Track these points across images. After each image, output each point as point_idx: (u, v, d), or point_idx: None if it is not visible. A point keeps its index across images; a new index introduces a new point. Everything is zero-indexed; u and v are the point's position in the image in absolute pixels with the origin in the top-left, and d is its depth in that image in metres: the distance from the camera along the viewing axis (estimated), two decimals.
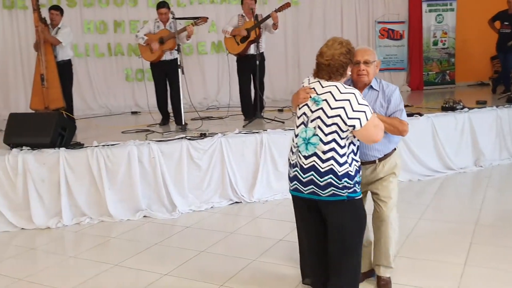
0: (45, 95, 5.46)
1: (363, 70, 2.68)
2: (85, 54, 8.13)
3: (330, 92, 2.42)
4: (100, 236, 4.18)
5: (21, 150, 4.39)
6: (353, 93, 2.40)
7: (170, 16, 5.73)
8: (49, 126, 4.43)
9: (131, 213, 4.50)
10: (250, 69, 5.87)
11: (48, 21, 5.86)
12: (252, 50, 5.81)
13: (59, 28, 5.83)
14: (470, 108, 5.88)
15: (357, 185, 2.49)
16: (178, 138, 4.75)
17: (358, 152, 2.53)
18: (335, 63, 2.41)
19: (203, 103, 8.52)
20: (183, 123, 5.45)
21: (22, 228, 4.31)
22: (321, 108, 2.41)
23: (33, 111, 5.54)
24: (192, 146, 4.65)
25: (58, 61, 5.75)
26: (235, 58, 6.11)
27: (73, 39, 6.41)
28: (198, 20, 5.59)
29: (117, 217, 4.43)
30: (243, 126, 5.45)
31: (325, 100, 2.41)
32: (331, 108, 2.39)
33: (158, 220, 4.47)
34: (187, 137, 4.75)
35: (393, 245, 2.92)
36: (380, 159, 2.83)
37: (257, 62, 5.65)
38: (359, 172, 2.51)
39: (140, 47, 5.95)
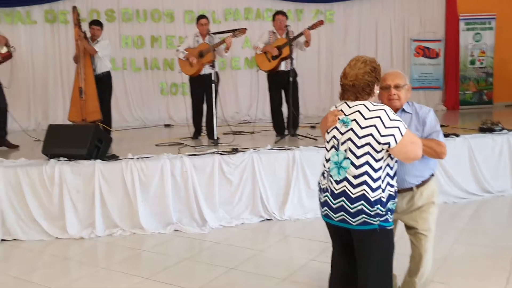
0: (83, 108, 5.61)
1: (394, 94, 2.59)
2: (122, 68, 8.32)
3: (358, 111, 2.32)
4: (131, 248, 4.23)
5: (58, 160, 4.51)
6: (383, 109, 2.30)
7: (209, 30, 5.76)
8: (86, 138, 4.53)
9: (162, 226, 4.54)
10: (281, 85, 5.89)
11: (88, 34, 6.03)
12: (283, 66, 5.83)
13: (98, 41, 6.00)
14: (509, 130, 5.71)
15: (389, 213, 2.34)
16: (210, 153, 4.78)
17: (395, 176, 2.40)
18: (360, 83, 2.32)
19: (235, 117, 8.60)
20: (215, 138, 5.48)
21: (57, 238, 4.40)
22: (351, 129, 2.31)
23: (71, 123, 5.69)
24: (224, 161, 4.67)
25: (97, 74, 5.91)
26: (265, 73, 6.15)
27: (112, 52, 6.57)
28: (237, 32, 5.63)
29: (149, 229, 4.48)
30: (275, 142, 5.45)
31: (354, 120, 2.31)
32: (361, 128, 2.29)
33: (188, 234, 4.48)
34: (219, 152, 4.78)
35: (426, 274, 2.79)
36: (418, 186, 2.68)
37: (290, 79, 5.65)
38: (393, 199, 2.37)
39: (180, 62, 5.99)
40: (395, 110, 2.62)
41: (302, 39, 5.74)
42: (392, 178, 2.37)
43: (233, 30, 5.71)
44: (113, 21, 8.30)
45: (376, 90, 2.39)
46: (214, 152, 4.77)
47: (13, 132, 6.27)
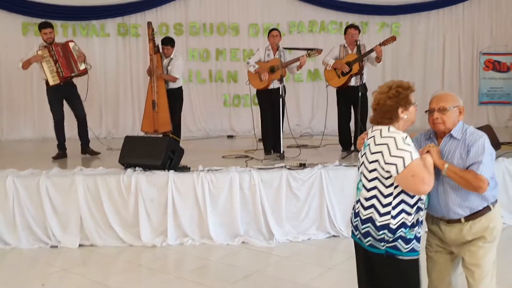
0: (155, 119, 5.83)
1: (437, 118, 2.47)
2: (188, 80, 8.57)
3: (373, 136, 2.36)
4: (201, 258, 4.35)
5: (134, 170, 4.71)
6: (393, 137, 2.28)
7: (281, 45, 5.76)
8: (161, 149, 4.71)
9: (230, 237, 4.63)
10: (351, 101, 5.85)
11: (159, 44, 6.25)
12: (353, 82, 5.80)
13: (172, 59, 6.21)
14: None
15: (402, 241, 2.26)
16: (278, 167, 4.83)
17: (420, 203, 2.31)
18: (381, 108, 2.34)
19: (296, 129, 8.58)
20: (282, 152, 5.53)
21: (131, 245, 4.59)
22: (365, 153, 2.38)
23: (144, 133, 5.93)
24: (292, 176, 4.71)
25: (169, 88, 6.12)
26: (333, 88, 6.13)
27: (184, 68, 6.78)
28: (313, 52, 5.63)
29: (217, 240, 4.58)
30: (342, 158, 5.43)
31: (368, 145, 2.37)
32: (371, 153, 2.33)
33: (255, 247, 4.54)
34: (287, 167, 4.82)
35: None
36: (467, 218, 2.45)
37: (360, 94, 5.61)
38: (410, 227, 2.28)
39: (249, 74, 5.94)
40: (441, 135, 2.52)
41: (373, 54, 5.69)
42: (411, 206, 2.30)
43: (308, 49, 5.71)
44: (181, 34, 8.58)
45: (402, 115, 2.34)
46: (282, 167, 4.82)
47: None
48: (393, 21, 9.05)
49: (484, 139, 2.44)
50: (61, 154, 5.88)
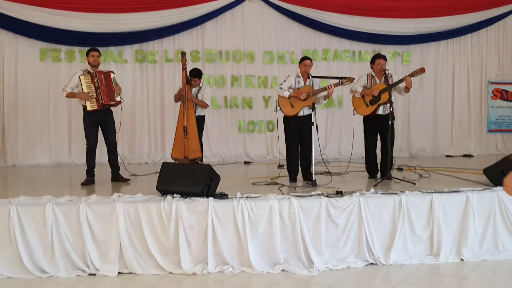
0: (185, 146, 5.86)
1: None
2: None
3: None
4: (242, 287, 4.32)
5: (173, 197, 4.70)
6: None
7: (310, 73, 5.84)
8: (200, 177, 4.72)
9: (270, 265, 4.62)
10: (378, 129, 5.95)
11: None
12: (380, 110, 5.91)
13: (201, 87, 6.32)
14: None
15: None
16: (316, 195, 4.87)
17: None
18: None
19: None
20: (314, 179, 5.57)
21: (170, 272, 4.55)
22: None
23: (174, 160, 5.95)
24: (331, 204, 4.74)
25: (196, 115, 6.19)
26: (356, 115, 6.23)
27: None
28: (345, 80, 5.73)
29: (258, 268, 4.56)
30: (374, 186, 5.48)
31: None
32: None
33: (296, 276, 4.53)
34: (324, 194, 4.85)
35: None
36: None
37: (390, 122, 5.70)
38: None
39: (280, 100, 5.90)
40: None
41: (402, 85, 5.81)
42: None
43: (340, 78, 5.82)
44: (198, 61, 8.70)
45: None
46: (319, 194, 4.85)
47: (102, 165, 6.56)
48: (404, 50, 9.29)
49: None
50: (90, 180, 5.86)
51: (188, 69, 6.36)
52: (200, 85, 6.35)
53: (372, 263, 4.77)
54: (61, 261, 4.51)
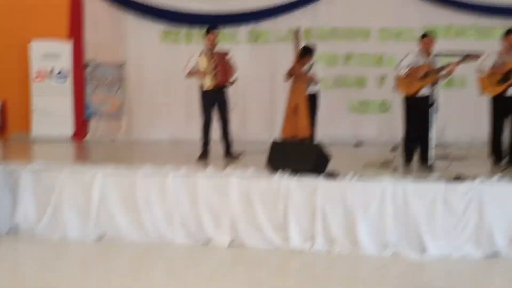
0: (295, 124, 5.89)
1: None
2: None
3: None
4: (350, 267, 4.29)
5: (284, 174, 4.77)
6: None
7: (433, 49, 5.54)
8: (310, 155, 4.74)
9: (380, 248, 4.51)
10: (507, 112, 5.47)
11: None
12: (511, 91, 5.40)
13: (313, 64, 6.29)
14: None
15: None
16: (432, 179, 4.63)
17: None
18: None
19: None
20: (431, 163, 5.28)
21: (279, 247, 4.64)
22: None
23: (283, 138, 6.02)
24: (449, 189, 4.47)
25: (307, 94, 6.17)
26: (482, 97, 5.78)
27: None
28: (469, 57, 5.31)
29: (367, 250, 4.48)
30: (500, 172, 5.06)
31: None
32: None
33: (406, 260, 4.37)
34: (443, 179, 4.59)
35: None
36: None
37: None
38: None
39: (399, 80, 5.65)
40: None
41: None
42: None
43: (463, 55, 5.37)
44: (310, 39, 8.57)
45: None
46: (436, 179, 4.61)
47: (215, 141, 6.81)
48: None
49: None
50: (205, 155, 6.16)
51: (301, 48, 6.34)
52: (312, 62, 6.31)
53: (492, 255, 4.43)
54: (178, 228, 4.83)
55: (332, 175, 4.75)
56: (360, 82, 8.71)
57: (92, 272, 4.08)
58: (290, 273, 4.27)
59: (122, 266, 4.37)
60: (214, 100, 6.14)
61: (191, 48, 8.47)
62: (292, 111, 6.00)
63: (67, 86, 8.83)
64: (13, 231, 5.07)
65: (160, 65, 8.85)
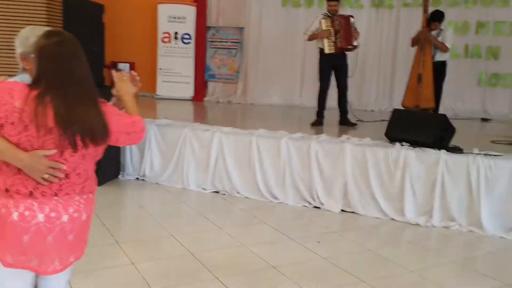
0: (418, 94, 5.59)
1: None
2: None
3: None
4: (468, 247, 4.06)
5: (402, 145, 4.58)
6: None
7: None
8: (433, 127, 4.48)
9: (504, 230, 4.19)
10: None
11: None
12: None
13: (442, 29, 5.87)
14: None
15: None
16: None
17: None
18: None
19: None
20: None
21: (392, 219, 4.52)
22: None
23: (403, 108, 5.75)
24: None
25: (435, 61, 5.80)
26: None
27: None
28: None
29: (489, 230, 4.19)
30: None
31: None
32: None
33: None
34: None
35: None
36: None
37: None
38: None
39: None
40: None
41: None
42: None
43: None
44: (439, 5, 8.02)
45: None
46: None
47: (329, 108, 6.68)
48: None
49: None
50: (319, 121, 6.12)
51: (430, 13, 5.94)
52: (442, 28, 5.88)
53: None
54: (290, 190, 4.90)
55: (455, 149, 4.46)
56: (493, 53, 7.97)
57: (206, 221, 4.33)
58: (402, 244, 4.18)
59: (235, 218, 4.58)
60: (333, 65, 6.03)
61: (311, 12, 8.39)
62: (416, 80, 5.68)
63: (190, 48, 9.24)
64: (140, 178, 5.53)
65: (278, 29, 8.88)
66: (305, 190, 4.86)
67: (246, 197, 5.04)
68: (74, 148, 1.66)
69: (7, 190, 1.68)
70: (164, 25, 9.19)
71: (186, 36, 9.21)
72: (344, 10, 8.39)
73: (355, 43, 5.97)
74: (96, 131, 1.68)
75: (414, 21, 7.93)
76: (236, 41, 9.32)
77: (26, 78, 1.86)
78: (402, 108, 5.76)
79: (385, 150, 4.56)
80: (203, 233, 4.07)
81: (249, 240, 3.92)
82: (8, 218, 1.67)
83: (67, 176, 1.71)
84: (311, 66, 8.67)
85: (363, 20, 8.44)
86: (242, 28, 9.21)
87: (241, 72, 9.32)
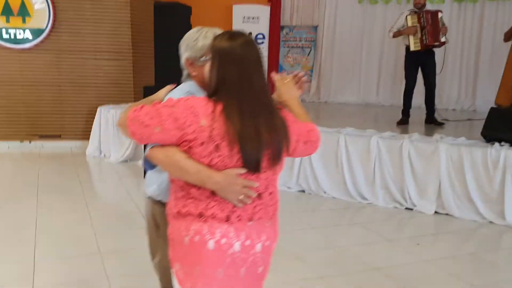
0: None
1: None
2: None
3: None
4: None
5: (502, 145, 4.40)
6: None
7: None
8: None
9: None
10: None
11: None
12: None
13: None
14: None
15: None
16: None
17: None
18: None
19: None
20: None
21: (491, 222, 4.36)
22: None
23: (497, 106, 5.52)
24: None
25: None
26: None
27: None
28: None
29: None
30: None
31: None
32: None
33: None
34: None
35: None
36: None
37: None
38: None
39: None
40: None
41: None
42: None
43: None
44: None
45: None
46: None
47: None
48: None
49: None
50: (405, 120, 5.99)
51: None
52: None
53: None
54: (381, 191, 4.84)
55: None
56: None
57: (293, 218, 4.36)
58: (501, 249, 4.00)
59: (322, 217, 4.58)
60: (419, 62, 5.87)
61: (388, 8, 8.24)
62: (510, 77, 5.42)
63: (264, 48, 9.31)
64: None
65: (354, 27, 8.77)
66: (396, 191, 4.77)
67: (334, 197, 5.02)
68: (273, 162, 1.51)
69: (201, 215, 1.49)
70: (238, 26, 9.29)
71: (260, 36, 9.29)
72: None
73: (442, 39, 5.78)
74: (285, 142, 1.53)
75: (501, 15, 7.60)
76: (310, 39, 9.30)
77: (193, 86, 1.74)
78: (498, 106, 5.52)
79: (483, 150, 4.39)
80: (297, 232, 4.11)
81: (345, 241, 3.91)
82: (203, 247, 1.48)
83: (259, 196, 1.53)
84: (389, 64, 8.53)
85: (444, 15, 8.13)
86: (316, 26, 9.17)
87: (315, 71, 9.29)
